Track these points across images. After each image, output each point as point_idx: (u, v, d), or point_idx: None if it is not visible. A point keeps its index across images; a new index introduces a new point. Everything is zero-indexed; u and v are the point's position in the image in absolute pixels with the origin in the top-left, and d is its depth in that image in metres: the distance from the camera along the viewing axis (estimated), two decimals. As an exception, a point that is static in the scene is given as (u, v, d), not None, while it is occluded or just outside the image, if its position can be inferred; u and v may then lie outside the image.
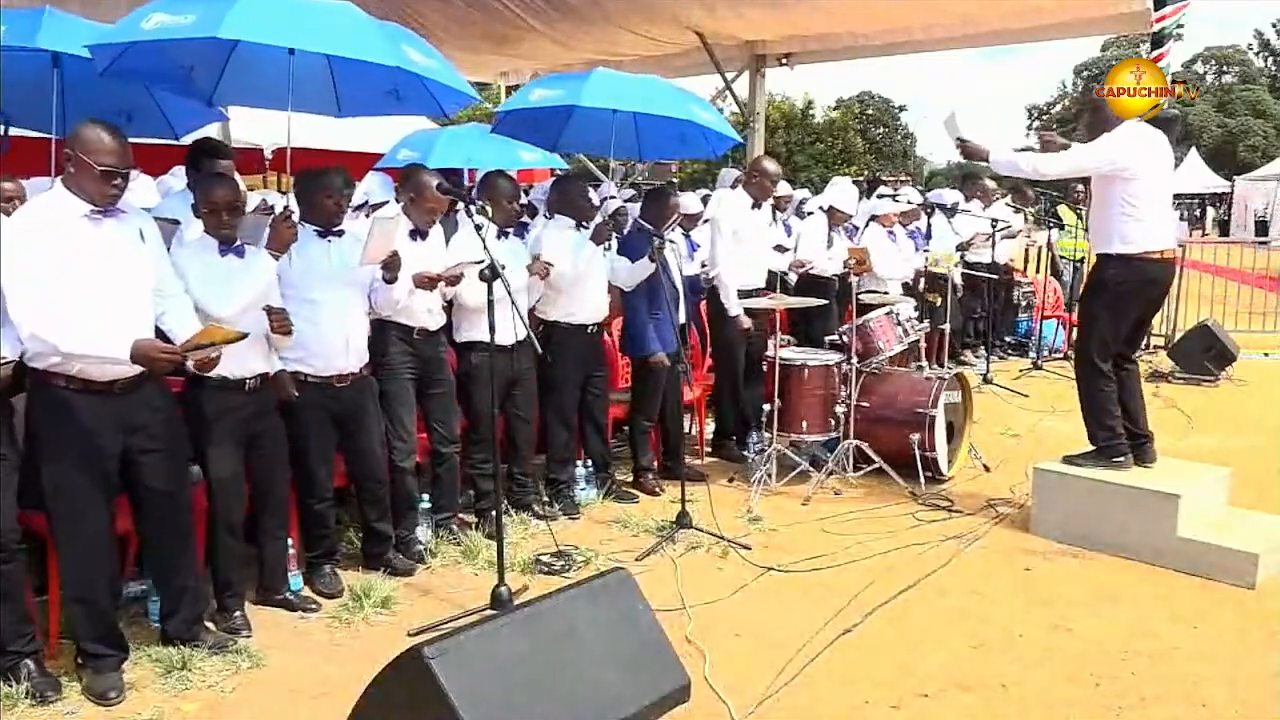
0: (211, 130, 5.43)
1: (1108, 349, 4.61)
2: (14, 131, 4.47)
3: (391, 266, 3.92)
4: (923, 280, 7.50)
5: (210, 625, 3.56)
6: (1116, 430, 4.63)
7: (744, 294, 5.71)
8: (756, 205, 5.98)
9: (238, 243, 3.59)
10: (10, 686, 3.10)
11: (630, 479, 5.47)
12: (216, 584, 3.65)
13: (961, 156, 4.91)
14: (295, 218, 3.75)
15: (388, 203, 5.33)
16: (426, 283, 4.14)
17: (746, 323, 5.77)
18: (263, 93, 4.01)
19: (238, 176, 4.49)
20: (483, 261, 3.73)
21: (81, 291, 3.00)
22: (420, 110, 4.47)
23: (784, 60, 10.86)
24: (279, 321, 3.58)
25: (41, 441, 3.11)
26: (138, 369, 3.09)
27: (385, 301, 4.12)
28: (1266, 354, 9.89)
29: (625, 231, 5.42)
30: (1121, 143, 4.49)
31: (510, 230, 4.78)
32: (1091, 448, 4.70)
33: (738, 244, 5.83)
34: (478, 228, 3.86)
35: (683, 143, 5.85)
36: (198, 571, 3.51)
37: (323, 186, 3.93)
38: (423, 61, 3.77)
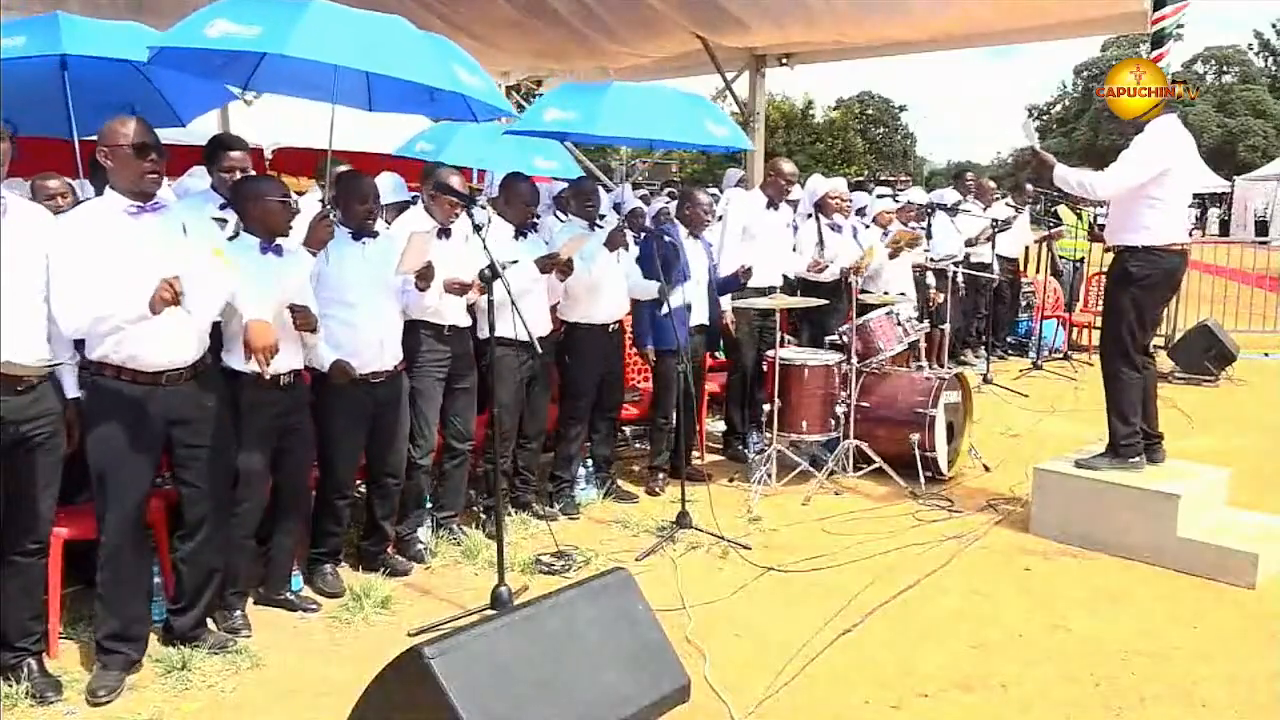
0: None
1: (1137, 341, 4.61)
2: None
3: (426, 276, 3.97)
4: (930, 275, 7.51)
5: (210, 625, 3.56)
6: (1137, 429, 4.62)
7: (758, 292, 5.69)
8: (772, 205, 5.97)
9: (276, 242, 3.60)
10: (11, 686, 3.10)
11: (630, 480, 5.47)
12: (224, 579, 3.64)
13: (1032, 165, 4.92)
14: (332, 217, 3.78)
15: (409, 203, 5.25)
16: (458, 289, 4.19)
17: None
18: (297, 82, 4.04)
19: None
20: (516, 261, 3.77)
21: (120, 281, 3.03)
22: (453, 114, 4.49)
23: (784, 60, 10.87)
24: (303, 319, 3.60)
25: (93, 429, 3.16)
26: (185, 362, 3.20)
27: (416, 305, 4.14)
28: (1266, 354, 9.90)
29: (642, 234, 5.41)
30: (1160, 145, 4.47)
31: (527, 230, 4.80)
32: (1103, 449, 4.69)
33: (748, 242, 5.82)
34: (477, 228, 3.87)
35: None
36: (220, 574, 3.53)
37: (359, 192, 3.98)
38: (470, 81, 3.81)
